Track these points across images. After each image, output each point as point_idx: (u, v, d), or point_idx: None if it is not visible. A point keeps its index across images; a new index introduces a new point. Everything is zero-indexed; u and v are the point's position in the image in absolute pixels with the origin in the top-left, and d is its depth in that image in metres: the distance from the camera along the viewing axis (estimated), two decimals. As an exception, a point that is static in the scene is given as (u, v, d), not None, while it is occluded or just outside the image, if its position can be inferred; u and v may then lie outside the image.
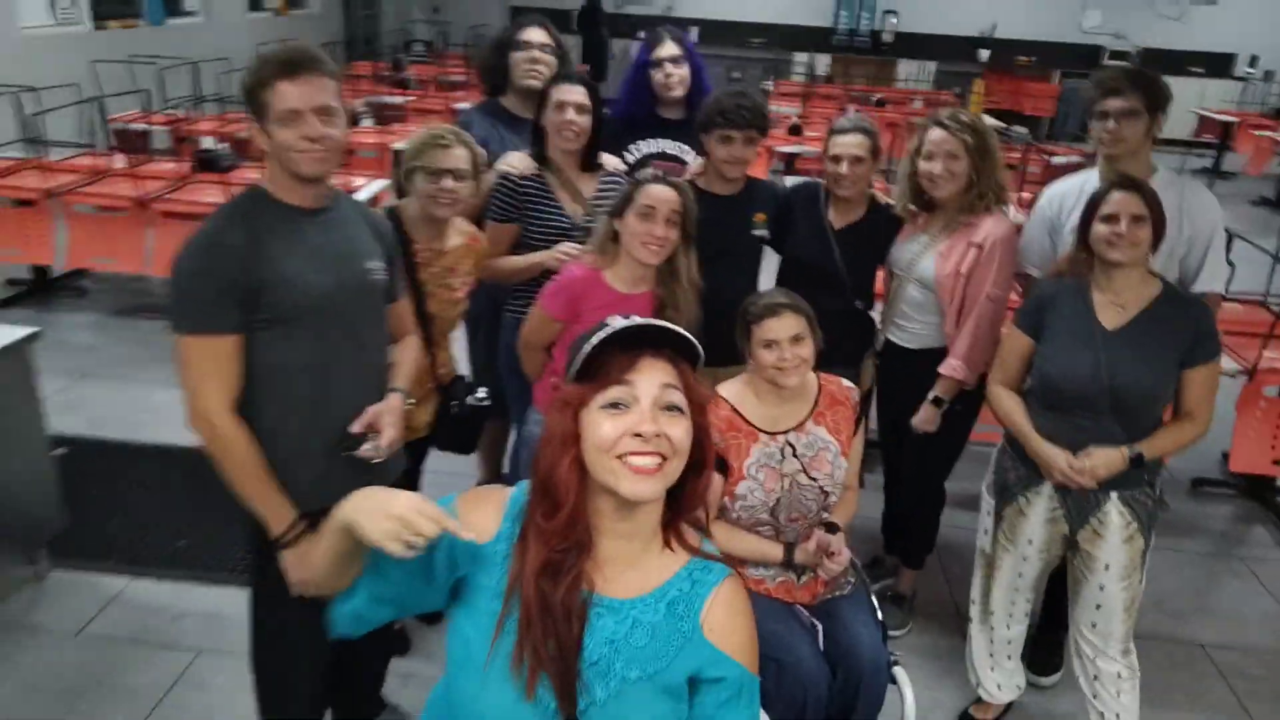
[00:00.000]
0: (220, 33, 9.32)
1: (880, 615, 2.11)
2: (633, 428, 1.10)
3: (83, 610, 2.70)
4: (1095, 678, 2.26)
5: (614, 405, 1.12)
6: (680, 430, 1.13)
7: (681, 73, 2.87)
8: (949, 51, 12.02)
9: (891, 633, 2.76)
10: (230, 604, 2.73)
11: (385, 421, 1.81)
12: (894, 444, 2.78)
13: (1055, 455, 2.13)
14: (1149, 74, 2.36)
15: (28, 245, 4.78)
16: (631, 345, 1.15)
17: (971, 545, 2.58)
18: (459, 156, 2.20)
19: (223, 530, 3.01)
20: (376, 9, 12.60)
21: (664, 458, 1.12)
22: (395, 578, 1.17)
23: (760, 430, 2.04)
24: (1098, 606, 2.22)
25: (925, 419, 2.55)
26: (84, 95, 5.65)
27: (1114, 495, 2.14)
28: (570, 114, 2.47)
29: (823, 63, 12.06)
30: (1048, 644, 2.72)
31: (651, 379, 1.13)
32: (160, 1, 8.76)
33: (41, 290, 5.14)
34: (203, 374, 1.65)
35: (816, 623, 2.02)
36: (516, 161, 2.57)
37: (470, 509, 1.19)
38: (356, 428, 1.79)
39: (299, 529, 1.72)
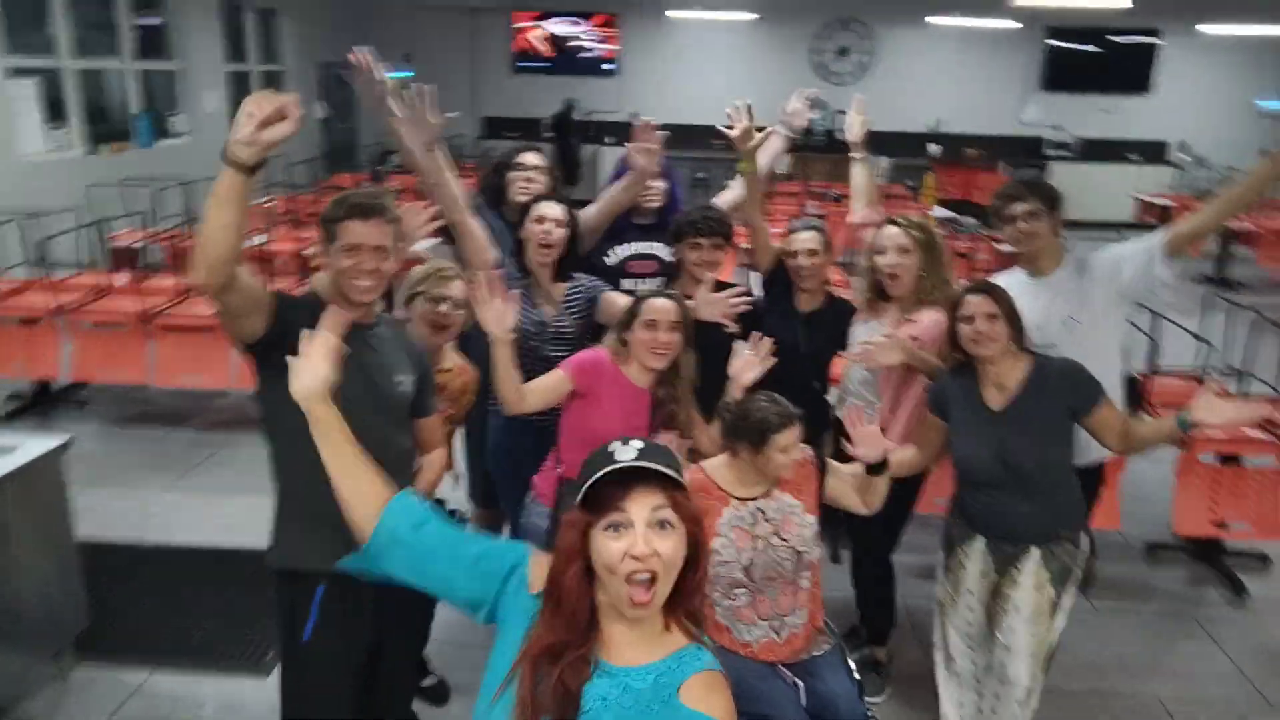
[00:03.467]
0: (207, 152, 9.64)
1: (856, 675, 2.33)
2: (630, 550, 1.31)
3: (108, 703, 2.84)
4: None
5: (614, 527, 1.33)
6: (669, 545, 1.34)
7: (660, 186, 3.22)
8: (901, 146, 12.67)
9: (870, 699, 2.96)
10: (248, 691, 2.89)
11: None
12: (850, 518, 3.02)
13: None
14: (1041, 180, 2.82)
15: (33, 361, 5.00)
16: (626, 477, 1.36)
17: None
18: (457, 288, 2.52)
19: (236, 623, 3.18)
20: (353, 124, 13.13)
21: (655, 574, 1.32)
22: (451, 554, 1.46)
23: (731, 496, 2.29)
24: (1007, 648, 2.48)
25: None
26: (83, 217, 5.92)
27: (1034, 549, 2.44)
28: (548, 226, 2.79)
29: (783, 161, 12.65)
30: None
31: (643, 505, 1.34)
32: (150, 125, 9.15)
33: (43, 403, 5.32)
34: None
35: (798, 681, 2.23)
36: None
37: (537, 564, 1.46)
38: None
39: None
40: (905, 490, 2.85)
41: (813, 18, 12.90)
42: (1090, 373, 2.41)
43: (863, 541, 3.05)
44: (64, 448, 2.83)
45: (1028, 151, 12.70)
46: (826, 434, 3.06)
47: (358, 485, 1.53)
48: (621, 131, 12.68)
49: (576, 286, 2.92)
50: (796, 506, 2.32)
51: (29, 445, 2.77)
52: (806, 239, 2.94)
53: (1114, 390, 2.55)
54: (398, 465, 2.09)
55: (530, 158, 3.20)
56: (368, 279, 1.97)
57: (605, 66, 13.33)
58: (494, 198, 3.25)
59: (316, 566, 1.99)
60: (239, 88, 10.70)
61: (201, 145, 9.89)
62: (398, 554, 1.48)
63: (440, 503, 2.65)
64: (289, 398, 1.93)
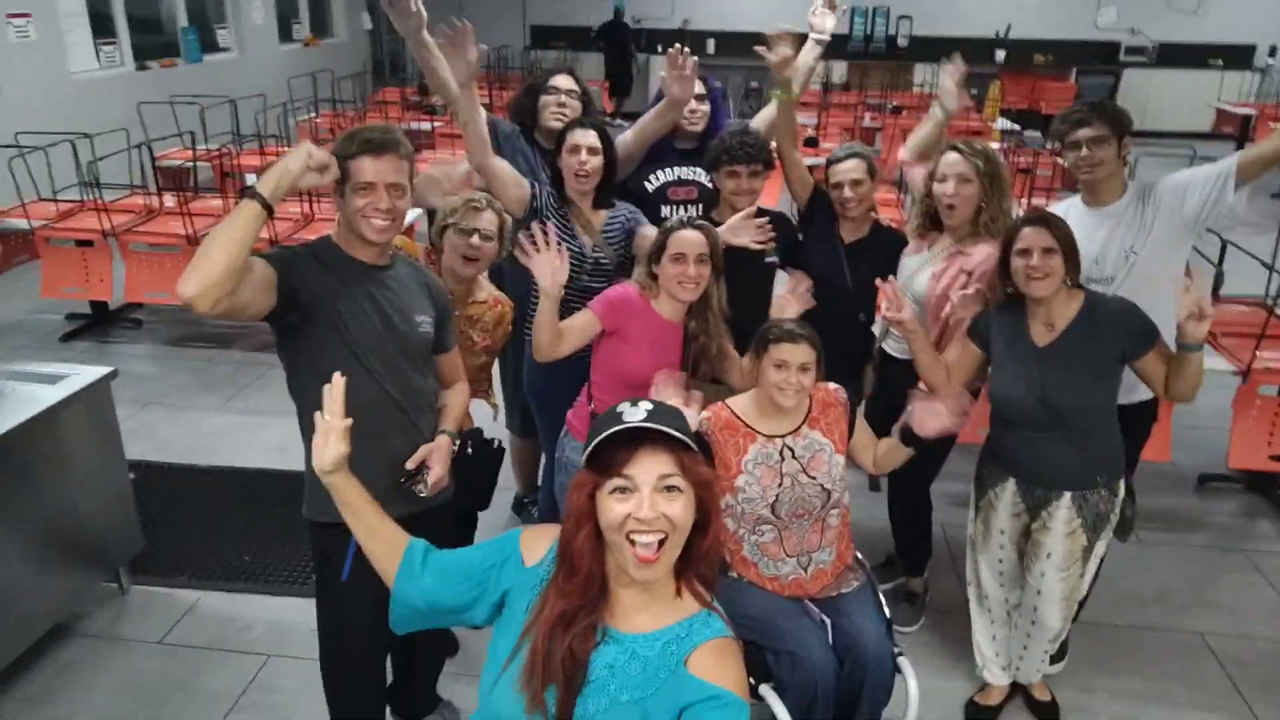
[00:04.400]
0: (254, 67, 9.69)
1: (887, 611, 2.32)
2: (635, 513, 1.29)
3: (162, 622, 2.98)
4: (1020, 657, 2.63)
5: (618, 490, 1.32)
6: (678, 507, 1.32)
7: (703, 110, 3.11)
8: (965, 54, 12.06)
9: (902, 629, 2.97)
10: (295, 612, 3.00)
11: (434, 459, 2.07)
12: None
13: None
14: (1111, 103, 2.60)
15: (88, 283, 5.12)
16: (633, 438, 1.33)
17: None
18: (488, 219, 2.47)
19: (284, 545, 3.29)
20: (401, 37, 12.95)
21: (665, 535, 1.31)
22: (457, 582, 1.47)
23: (758, 433, 2.26)
24: (1038, 592, 2.46)
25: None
26: (132, 137, 5.97)
27: (1066, 494, 2.37)
28: (583, 155, 2.70)
29: (839, 70, 12.21)
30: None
31: (650, 469, 1.32)
32: (196, 40, 9.13)
33: (100, 324, 5.47)
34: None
35: (825, 618, 2.23)
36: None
37: (531, 536, 1.48)
38: (411, 464, 2.04)
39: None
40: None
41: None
42: (1145, 315, 2.30)
43: (902, 472, 3.00)
44: (110, 376, 2.90)
45: (1102, 58, 12.04)
46: (869, 365, 3.00)
47: (381, 547, 1.56)
48: (673, 40, 12.25)
49: (616, 215, 2.86)
50: (826, 445, 2.29)
51: (77, 375, 2.85)
52: (850, 168, 2.81)
53: (1168, 324, 2.42)
54: (420, 405, 2.12)
55: (563, 80, 3.10)
56: (382, 218, 1.93)
57: (653, -29, 12.86)
58: (526, 122, 3.18)
59: (338, 518, 2.01)
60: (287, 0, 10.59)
61: (248, 60, 9.87)
62: (422, 578, 1.50)
63: (478, 432, 2.67)
64: (310, 358, 1.94)
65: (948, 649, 2.96)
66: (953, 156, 2.64)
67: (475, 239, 2.45)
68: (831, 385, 2.37)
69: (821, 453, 2.28)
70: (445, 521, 2.27)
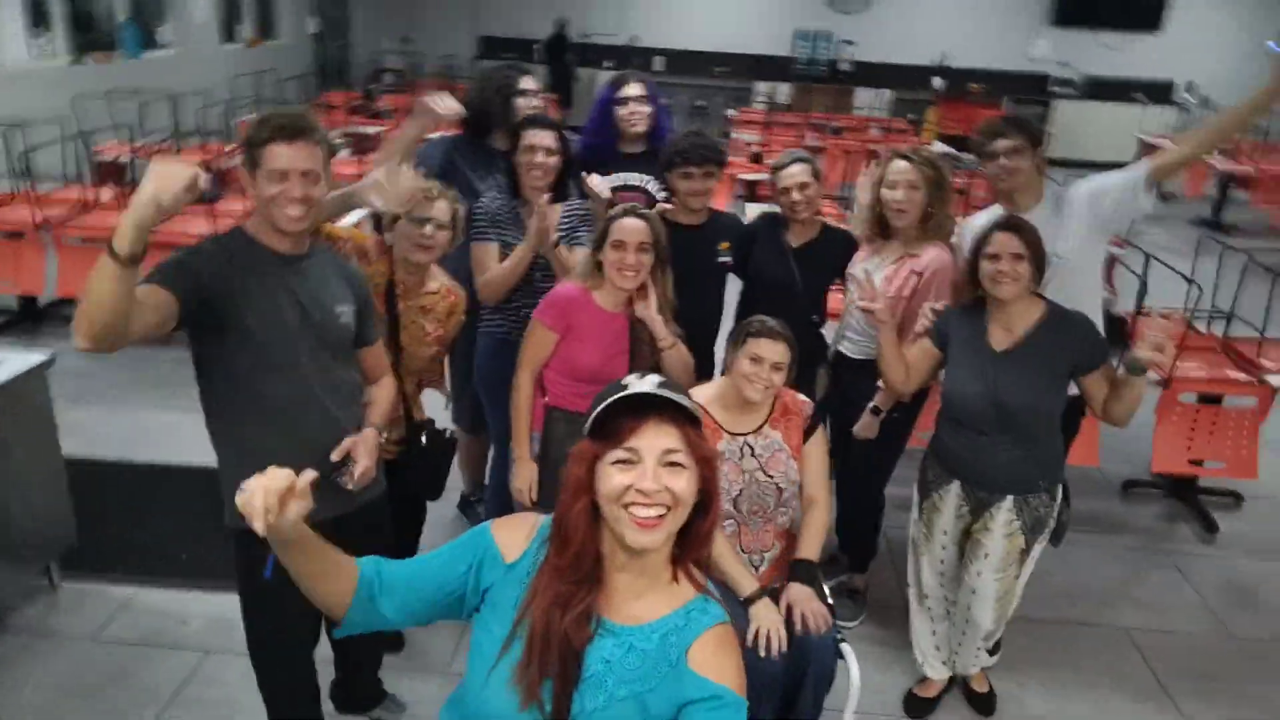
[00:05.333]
0: (195, 65, 9.50)
1: (830, 601, 2.37)
2: (636, 483, 1.24)
3: (96, 617, 2.89)
4: (955, 652, 2.72)
5: (619, 462, 1.26)
6: (683, 482, 1.26)
7: (644, 110, 3.13)
8: (904, 80, 12.47)
9: (845, 624, 3.04)
10: (233, 608, 2.85)
11: (360, 452, 2.01)
12: (841, 449, 3.06)
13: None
14: (1024, 117, 2.78)
15: (19, 275, 4.96)
16: (640, 408, 1.28)
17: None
18: (440, 209, 2.46)
19: (220, 541, 3.18)
20: (347, 40, 12.84)
21: (667, 508, 1.25)
22: (429, 595, 1.37)
23: (724, 429, 2.31)
24: (974, 591, 2.54)
25: (865, 426, 2.82)
26: (68, 129, 5.81)
27: (1009, 497, 2.45)
28: (540, 157, 2.74)
29: (783, 91, 12.45)
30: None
31: (655, 442, 1.26)
32: (136, 34, 8.94)
33: (30, 319, 5.30)
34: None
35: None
36: (487, 199, 2.84)
37: (505, 531, 1.40)
38: (336, 456, 1.98)
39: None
40: (901, 421, 2.88)
41: (819, -58, 12.53)
42: (1100, 333, 2.40)
43: (856, 471, 3.07)
44: (47, 364, 2.82)
45: (1033, 88, 12.49)
46: (823, 368, 3.07)
47: (334, 585, 1.35)
48: (620, 56, 12.47)
49: (571, 208, 2.89)
50: (784, 448, 2.34)
51: (11, 361, 2.76)
52: (796, 172, 2.88)
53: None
54: (343, 398, 2.07)
55: (530, 81, 3.14)
56: (297, 206, 1.85)
57: (602, -12, 12.98)
58: (484, 125, 3.17)
59: None
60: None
61: (189, 58, 9.68)
62: (380, 601, 1.36)
63: (430, 422, 2.67)
64: (221, 358, 1.89)
65: (887, 643, 3.03)
66: (902, 164, 2.74)
67: (429, 228, 2.46)
68: (801, 396, 2.42)
69: (780, 453, 2.33)
70: (380, 517, 2.25)
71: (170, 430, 4.10)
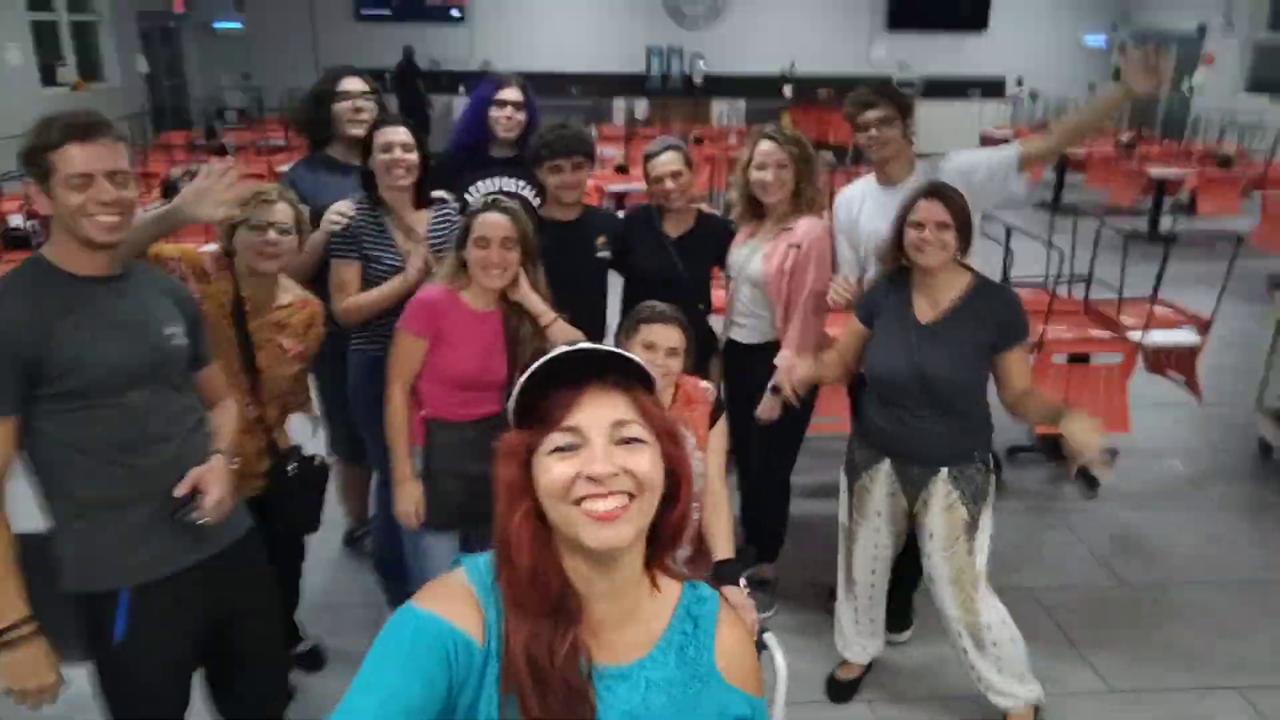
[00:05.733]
0: (13, 111, 8.79)
1: (745, 589, 2.29)
2: (586, 469, 0.96)
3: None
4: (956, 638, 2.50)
5: (559, 449, 0.98)
6: (644, 460, 0.98)
7: (520, 118, 3.01)
8: (756, 90, 12.80)
9: (759, 615, 2.96)
10: (85, 679, 2.61)
11: (209, 481, 1.78)
12: (742, 439, 3.00)
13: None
14: (892, 85, 2.76)
15: None
16: (573, 377, 1.00)
17: (825, 530, 2.81)
18: (282, 211, 2.26)
19: (61, 609, 2.87)
20: (183, 79, 12.22)
21: (630, 495, 0.97)
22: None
23: None
24: (930, 578, 2.48)
25: (767, 408, 2.77)
26: None
27: (943, 470, 2.38)
28: (398, 153, 2.57)
29: (641, 107, 12.57)
30: (899, 603, 2.99)
31: (599, 414, 0.98)
32: (-60, 81, 8.22)
33: None
34: None
35: None
36: (344, 208, 2.65)
37: (445, 604, 1.00)
38: (180, 490, 1.76)
39: (26, 631, 1.66)
40: (802, 408, 2.83)
41: (663, -40, 12.77)
42: (1023, 313, 2.35)
43: (761, 459, 3.01)
44: None
45: (877, 91, 13.05)
46: (714, 357, 3.00)
47: None
48: (473, 81, 12.26)
49: (443, 211, 2.73)
50: (690, 438, 2.24)
51: None
52: (668, 160, 2.83)
53: None
54: (185, 428, 1.83)
55: (353, 83, 2.93)
56: (109, 213, 1.61)
57: (453, 13, 12.83)
58: (320, 136, 2.98)
59: (110, 585, 1.75)
60: (48, 39, 9.74)
61: (8, 100, 8.96)
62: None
63: (297, 449, 2.46)
64: (38, 414, 1.65)
65: (801, 630, 2.97)
66: (768, 145, 2.72)
67: (272, 233, 2.24)
68: (703, 383, 2.33)
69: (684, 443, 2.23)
70: (255, 556, 2.02)
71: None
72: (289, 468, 2.39)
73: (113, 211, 1.62)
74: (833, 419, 3.48)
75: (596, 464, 0.96)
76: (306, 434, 2.66)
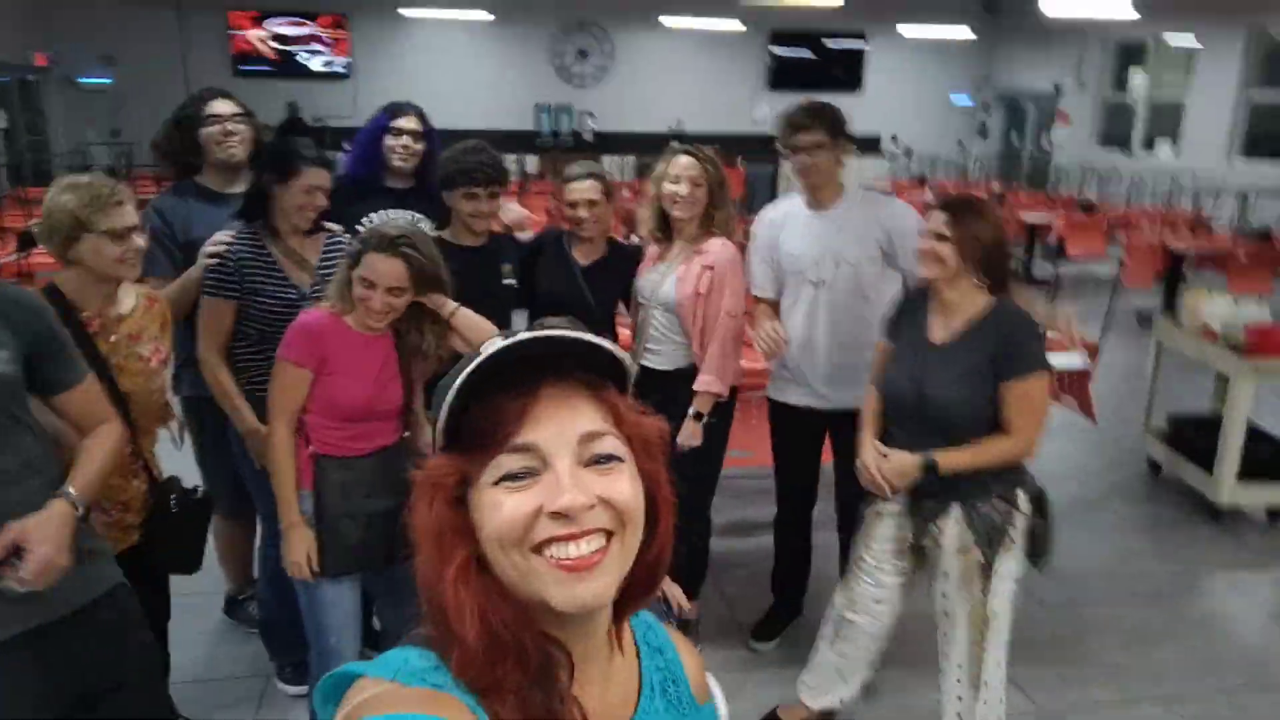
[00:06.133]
0: None
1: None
2: (550, 503, 0.71)
3: None
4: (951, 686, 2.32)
5: (509, 477, 0.73)
6: (625, 486, 0.75)
7: (418, 147, 2.87)
8: (646, 146, 12.97)
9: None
10: None
11: (33, 539, 1.50)
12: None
13: (865, 454, 2.26)
14: (829, 108, 2.67)
15: None
16: (523, 378, 0.74)
17: (741, 567, 2.73)
18: (132, 212, 2.02)
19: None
20: (44, 134, 11.56)
21: (609, 534, 0.74)
22: None
23: None
24: (945, 614, 2.29)
25: (689, 434, 2.66)
26: None
27: (954, 506, 2.19)
28: (320, 199, 2.41)
29: (532, 161, 12.58)
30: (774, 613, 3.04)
31: (562, 426, 0.74)
32: None
33: None
34: None
35: None
36: (222, 238, 2.45)
37: (430, 706, 0.69)
38: None
39: None
40: (720, 426, 2.76)
41: (550, 20, 12.92)
42: (1035, 343, 2.13)
43: (680, 494, 2.86)
44: None
45: (761, 148, 13.41)
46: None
47: None
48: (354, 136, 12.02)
49: (334, 240, 2.55)
50: None
51: None
52: (585, 188, 2.70)
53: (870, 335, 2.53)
54: (13, 478, 1.56)
55: (222, 105, 2.71)
56: None
57: (337, 69, 12.62)
58: (187, 163, 2.74)
59: None
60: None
61: None
62: None
63: (174, 480, 2.22)
64: None
65: (726, 670, 2.84)
66: (685, 159, 2.66)
67: (136, 239, 1.99)
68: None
69: None
70: (120, 618, 1.75)
71: None
72: (170, 502, 2.14)
73: None
74: (745, 453, 3.41)
75: (565, 495, 0.71)
76: (174, 456, 2.42)
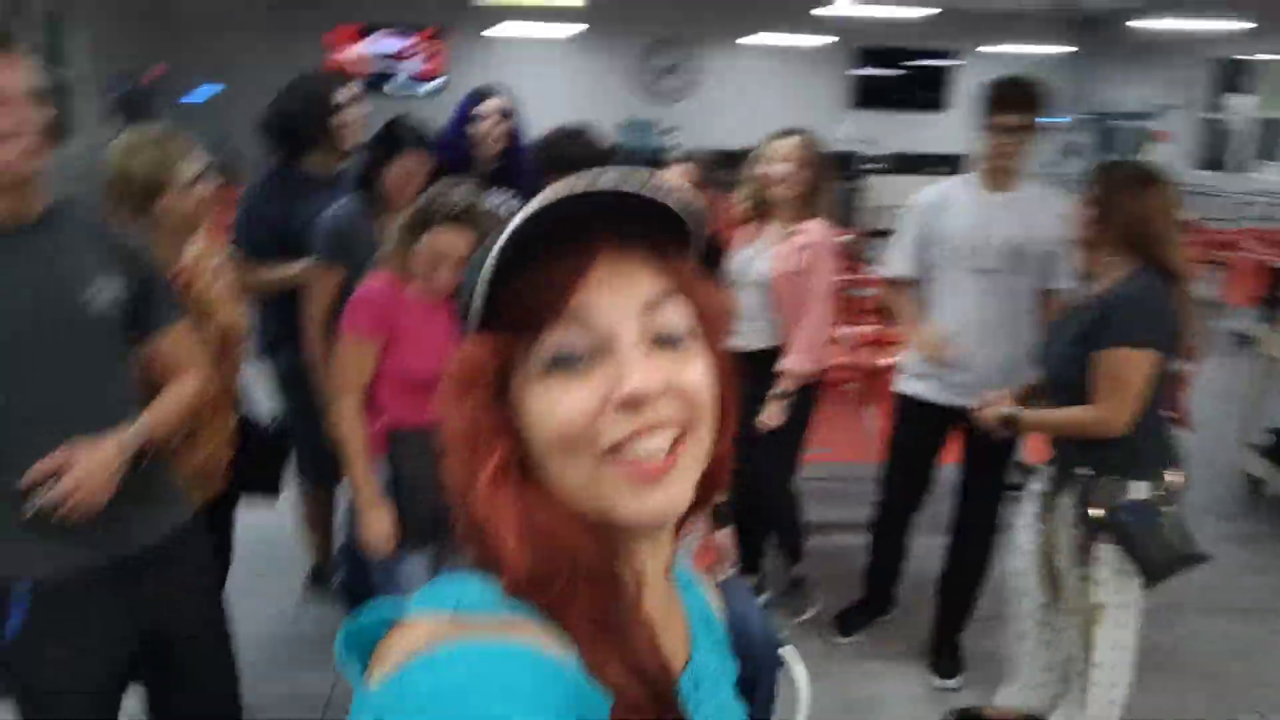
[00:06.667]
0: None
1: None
2: (619, 392, 0.59)
3: None
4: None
5: (564, 361, 0.61)
6: (699, 371, 0.63)
7: (504, 127, 2.94)
8: (728, 164, 13.04)
9: (799, 618, 3.01)
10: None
11: (73, 465, 1.46)
12: (744, 452, 2.83)
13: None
14: (1037, 86, 2.49)
15: None
16: (571, 239, 0.61)
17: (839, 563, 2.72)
18: (198, 157, 2.05)
19: None
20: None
21: (680, 430, 0.62)
22: None
23: None
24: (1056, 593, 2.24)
25: (774, 413, 2.68)
26: None
27: (1075, 476, 2.10)
28: (421, 181, 2.46)
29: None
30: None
31: (623, 293, 0.61)
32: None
33: None
34: None
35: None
36: (341, 209, 2.58)
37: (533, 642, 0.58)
38: (29, 478, 1.45)
39: None
40: (805, 403, 2.76)
41: (638, 37, 13.10)
42: (1142, 315, 2.01)
43: (766, 468, 2.84)
44: None
45: (844, 164, 13.34)
46: None
47: None
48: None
49: None
50: None
51: None
52: (677, 174, 2.82)
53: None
54: (108, 420, 1.54)
55: (352, 90, 2.82)
56: (10, 147, 1.36)
57: (429, 86, 13.00)
58: (300, 145, 2.77)
59: (8, 572, 1.54)
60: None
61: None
62: None
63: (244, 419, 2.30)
64: None
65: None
66: (790, 140, 2.66)
67: (204, 186, 2.04)
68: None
69: None
70: (190, 560, 1.77)
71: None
72: (257, 428, 2.27)
73: (11, 145, 1.35)
74: (823, 449, 3.38)
75: (634, 374, 0.58)
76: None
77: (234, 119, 12.33)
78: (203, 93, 12.26)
